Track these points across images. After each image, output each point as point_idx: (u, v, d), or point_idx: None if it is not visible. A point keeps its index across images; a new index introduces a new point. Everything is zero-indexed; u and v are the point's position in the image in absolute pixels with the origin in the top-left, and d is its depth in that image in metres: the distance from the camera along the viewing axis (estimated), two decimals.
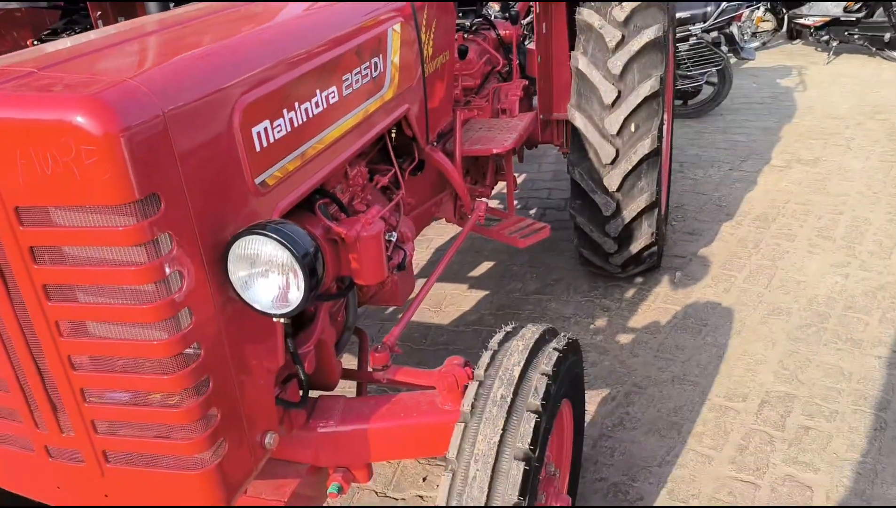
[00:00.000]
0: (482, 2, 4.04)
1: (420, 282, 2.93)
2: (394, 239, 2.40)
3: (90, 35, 1.98)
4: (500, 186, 4.84)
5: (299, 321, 2.09)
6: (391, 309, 4.19)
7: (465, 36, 3.93)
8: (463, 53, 3.63)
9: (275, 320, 1.66)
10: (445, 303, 4.28)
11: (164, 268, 1.45)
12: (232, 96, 1.62)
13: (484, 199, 3.53)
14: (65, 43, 1.80)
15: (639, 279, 4.32)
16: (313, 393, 2.19)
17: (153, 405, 1.60)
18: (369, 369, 2.40)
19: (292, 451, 2.12)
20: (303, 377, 1.95)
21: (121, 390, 1.58)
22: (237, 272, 1.57)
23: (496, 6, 5.52)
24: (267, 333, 1.80)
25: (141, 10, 4.37)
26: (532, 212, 5.40)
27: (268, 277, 1.57)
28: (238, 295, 1.60)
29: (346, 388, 2.71)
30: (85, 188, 1.35)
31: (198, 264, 1.54)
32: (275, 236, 1.53)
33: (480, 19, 4.04)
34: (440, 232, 5.05)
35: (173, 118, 1.44)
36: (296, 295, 1.57)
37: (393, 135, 2.67)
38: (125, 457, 1.66)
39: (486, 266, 4.68)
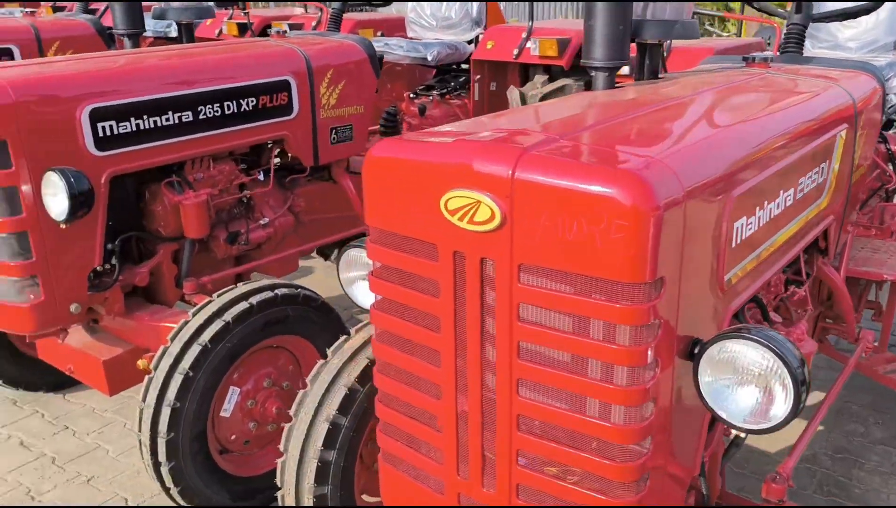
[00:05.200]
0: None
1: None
2: None
3: (577, 100, 2.05)
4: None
5: None
6: None
7: None
8: None
9: (740, 434, 1.53)
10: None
11: (647, 354, 1.39)
12: (731, 185, 1.55)
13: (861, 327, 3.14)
14: (564, 106, 1.87)
15: None
16: None
17: (580, 485, 1.53)
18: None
19: None
20: (704, 491, 1.79)
21: (557, 462, 1.54)
22: (709, 377, 1.47)
23: None
24: (696, 442, 1.67)
25: (511, 78, 4.63)
26: None
27: (746, 386, 1.45)
28: (705, 401, 1.49)
29: None
30: (601, 260, 1.34)
31: (669, 356, 1.47)
32: (766, 343, 1.41)
33: None
34: None
35: (690, 202, 1.40)
36: (781, 410, 1.42)
37: None
38: None
39: (817, 396, 4.18)
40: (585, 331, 1.43)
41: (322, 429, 2.37)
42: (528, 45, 4.08)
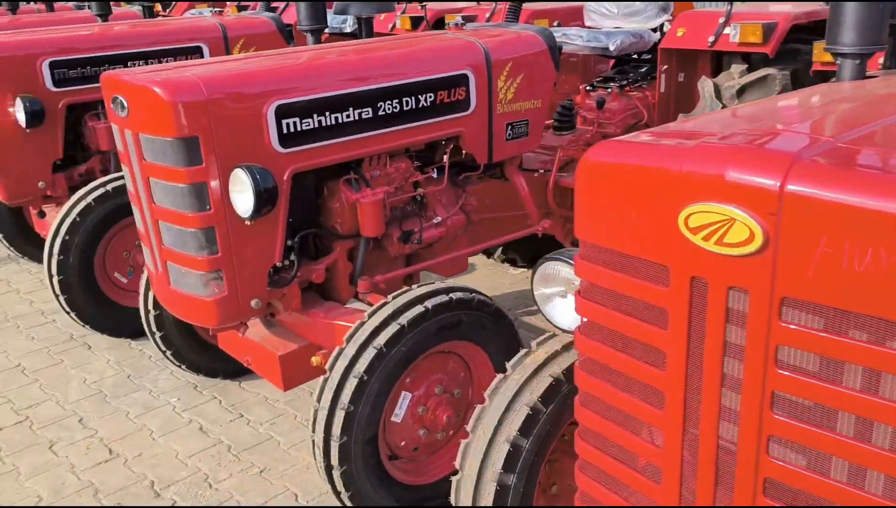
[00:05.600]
0: None
1: None
2: None
3: (825, 93, 1.74)
4: None
5: None
6: None
7: None
8: None
9: None
10: None
11: None
12: None
13: None
14: (813, 101, 1.57)
15: None
16: None
17: None
18: None
19: None
20: None
21: None
22: None
23: None
24: None
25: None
26: None
27: None
28: None
29: None
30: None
31: None
32: None
33: None
34: None
35: None
36: None
37: None
38: None
39: None
40: (872, 388, 1.14)
41: (502, 450, 2.20)
42: (727, 30, 3.69)
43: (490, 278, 5.30)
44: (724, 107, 3.77)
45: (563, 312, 1.82)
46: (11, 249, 5.46)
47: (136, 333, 4.18)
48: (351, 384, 2.62)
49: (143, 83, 2.66)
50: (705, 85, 3.84)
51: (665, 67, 4.07)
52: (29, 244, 5.31)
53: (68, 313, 4.25)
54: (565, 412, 2.29)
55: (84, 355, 4.32)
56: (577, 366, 1.60)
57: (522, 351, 2.38)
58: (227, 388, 3.92)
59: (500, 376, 2.35)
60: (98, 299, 4.28)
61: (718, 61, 4.13)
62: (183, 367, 3.86)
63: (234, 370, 3.86)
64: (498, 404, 2.27)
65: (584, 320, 1.56)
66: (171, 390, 3.93)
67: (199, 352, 3.81)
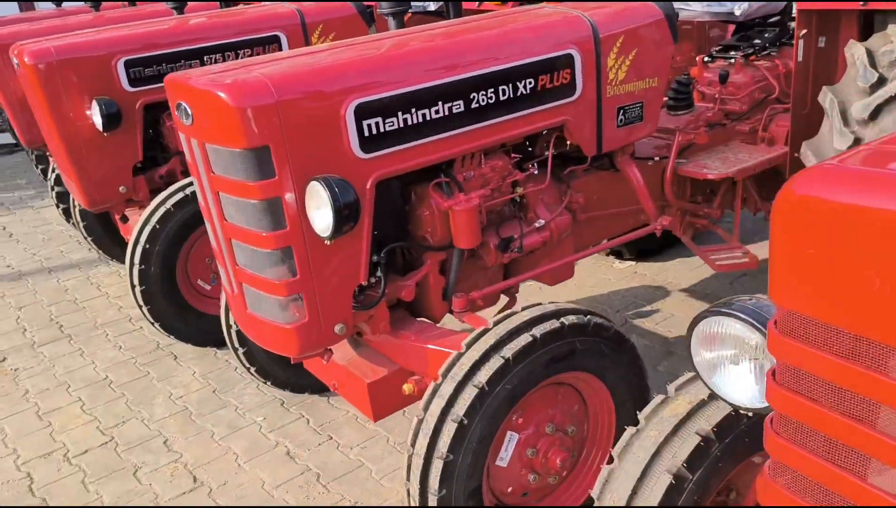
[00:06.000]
0: None
1: None
2: None
3: None
4: None
5: None
6: None
7: None
8: None
9: None
10: None
11: None
12: None
13: None
14: None
15: None
16: None
17: None
18: None
19: None
20: None
21: None
22: None
23: None
24: None
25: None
26: None
27: None
28: None
29: None
30: None
31: None
32: None
33: None
34: None
35: None
36: None
37: None
38: None
39: None
40: None
41: None
42: None
43: (594, 273, 4.83)
44: (880, 77, 3.14)
45: (736, 384, 1.37)
46: (100, 251, 5.40)
47: (221, 342, 3.95)
48: (449, 428, 2.26)
49: (206, 87, 2.34)
50: (855, 50, 3.21)
51: (804, 31, 3.45)
52: (116, 247, 5.22)
53: (152, 323, 4.09)
54: (714, 478, 1.86)
55: (170, 366, 4.15)
56: (767, 469, 1.17)
57: (658, 398, 1.95)
58: (315, 405, 3.66)
59: (630, 430, 1.93)
60: (181, 309, 4.10)
61: (868, 21, 3.47)
62: (268, 383, 3.62)
63: (322, 386, 3.58)
64: (631, 468, 1.86)
65: (777, 413, 1.12)
66: (257, 407, 3.70)
67: (285, 369, 3.55)
